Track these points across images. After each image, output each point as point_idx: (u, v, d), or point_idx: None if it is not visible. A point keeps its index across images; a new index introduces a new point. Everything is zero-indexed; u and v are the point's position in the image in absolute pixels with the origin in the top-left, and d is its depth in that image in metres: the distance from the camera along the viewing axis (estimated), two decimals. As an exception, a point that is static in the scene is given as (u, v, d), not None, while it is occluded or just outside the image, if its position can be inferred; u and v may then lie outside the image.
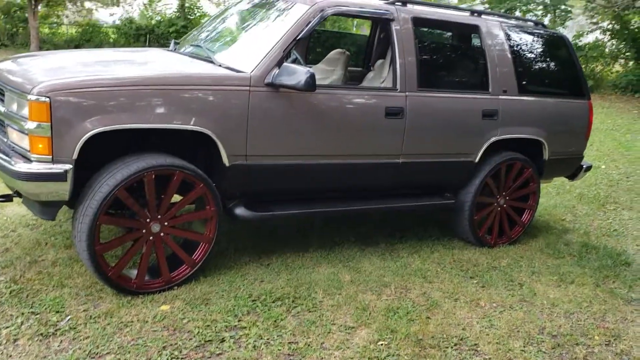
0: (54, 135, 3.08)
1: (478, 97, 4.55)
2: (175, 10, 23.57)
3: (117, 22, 24.14)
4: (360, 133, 4.02)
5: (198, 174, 3.50)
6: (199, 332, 3.17)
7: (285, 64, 3.61)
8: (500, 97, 4.63)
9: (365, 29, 16.92)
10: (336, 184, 4.14)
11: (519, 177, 4.93)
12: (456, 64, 4.83)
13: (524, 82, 4.77)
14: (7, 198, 3.61)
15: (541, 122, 4.90)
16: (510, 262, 4.63)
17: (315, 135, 3.85)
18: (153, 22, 23.29)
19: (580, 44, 20.08)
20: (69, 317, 3.19)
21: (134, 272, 3.53)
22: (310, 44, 5.70)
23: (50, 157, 3.11)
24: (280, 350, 3.09)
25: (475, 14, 4.74)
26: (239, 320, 3.33)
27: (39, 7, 20.02)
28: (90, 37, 22.65)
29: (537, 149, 5.00)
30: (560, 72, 5.28)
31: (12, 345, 2.91)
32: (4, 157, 3.24)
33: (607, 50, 20.47)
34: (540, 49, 5.15)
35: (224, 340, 3.13)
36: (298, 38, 3.76)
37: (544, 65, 5.23)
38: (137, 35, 22.70)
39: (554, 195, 6.74)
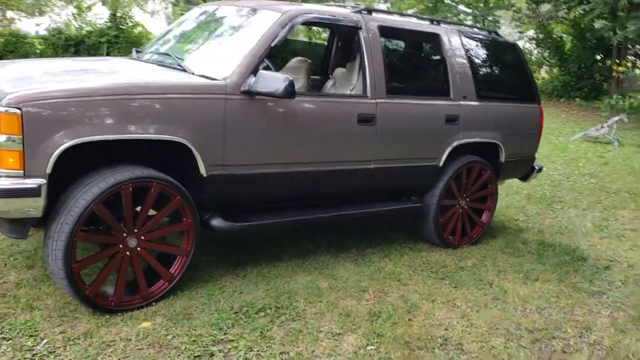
0: (25, 148, 2.92)
1: (441, 103, 4.69)
2: (107, 20, 22.84)
3: (44, 32, 23.11)
4: (334, 140, 4.04)
5: (175, 185, 3.41)
6: (186, 348, 3.07)
7: (261, 71, 3.59)
8: (460, 102, 4.78)
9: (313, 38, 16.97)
10: (312, 191, 4.13)
11: (478, 179, 5.10)
12: (420, 71, 4.96)
13: (481, 88, 4.95)
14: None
15: (498, 126, 5.10)
16: (476, 262, 4.77)
17: (291, 142, 3.84)
18: (83, 32, 22.46)
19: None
20: (45, 340, 3.02)
21: (109, 290, 3.39)
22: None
23: (22, 171, 2.94)
24: (272, 360, 3.05)
25: (435, 23, 4.88)
26: (224, 334, 3.26)
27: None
28: (14, 47, 21.56)
29: (494, 152, 5.19)
30: (513, 78, 5.52)
31: (-11, 374, 2.73)
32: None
33: (533, 57, 21.54)
34: (495, 56, 5.37)
35: (213, 355, 3.05)
36: (272, 45, 3.74)
37: (498, 72, 5.45)
38: (66, 46, 21.83)
39: (504, 197, 6.99)
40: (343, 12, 4.31)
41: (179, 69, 3.78)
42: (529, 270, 4.64)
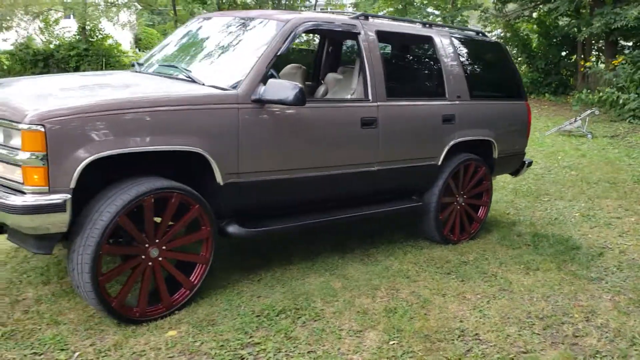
0: (50, 164, 2.95)
1: (437, 104, 4.84)
2: (76, 33, 22.56)
3: (10, 47, 22.68)
4: (340, 144, 4.15)
5: (194, 195, 3.47)
6: (215, 353, 3.14)
7: (271, 80, 3.68)
8: (455, 102, 4.95)
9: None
10: (320, 195, 4.23)
11: (474, 176, 5.26)
12: (416, 73, 5.11)
13: (473, 88, 5.12)
14: (-9, 236, 3.38)
15: (490, 123, 5.28)
16: (477, 256, 4.92)
17: (300, 148, 3.94)
18: (52, 46, 22.15)
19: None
20: (77, 353, 3.05)
21: (132, 301, 3.43)
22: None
23: (47, 187, 2.97)
24: (301, 360, 3.13)
25: (427, 26, 5.03)
26: (250, 337, 3.33)
27: None
28: (-21, 64, 21.23)
29: (488, 149, 5.37)
30: (501, 76, 5.71)
31: (28, 389, 2.75)
32: (-10, 191, 3.05)
33: (501, 56, 21.98)
34: (483, 56, 5.56)
35: (244, 358, 3.12)
36: (278, 54, 3.84)
37: (488, 71, 5.63)
38: (35, 60, 21.51)
39: (493, 192, 7.18)
40: (341, 19, 4.43)
41: (187, 81, 3.85)
42: (528, 261, 4.81)
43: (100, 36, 22.61)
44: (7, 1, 21.37)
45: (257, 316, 3.57)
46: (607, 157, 9.78)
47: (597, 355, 3.34)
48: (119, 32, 24.72)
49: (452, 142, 4.91)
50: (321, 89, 5.32)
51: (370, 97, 4.31)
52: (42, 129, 2.91)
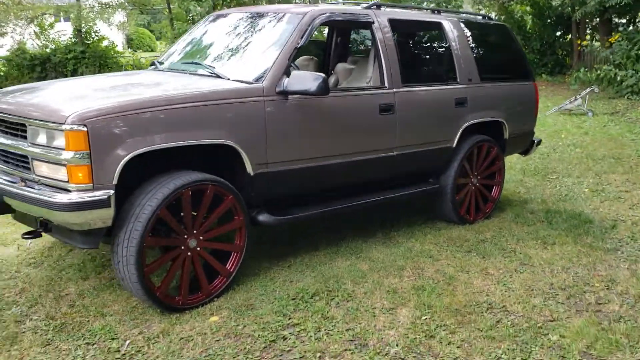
0: (93, 162, 3.08)
1: (450, 87, 4.97)
2: (71, 36, 22.55)
3: (6, 53, 22.68)
4: (361, 130, 4.29)
5: (228, 186, 3.60)
6: (259, 335, 3.29)
7: (294, 72, 3.81)
8: (467, 85, 5.08)
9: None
10: (344, 181, 4.37)
11: (487, 157, 5.40)
12: (428, 58, 5.24)
13: (483, 70, 5.25)
14: (35, 234, 3.51)
15: (501, 105, 5.42)
16: (494, 234, 5.07)
17: (324, 136, 4.07)
18: (48, 50, 22.14)
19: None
20: (128, 341, 3.20)
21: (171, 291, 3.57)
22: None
23: (91, 184, 3.11)
24: (341, 337, 3.28)
25: (436, 12, 5.16)
26: (289, 319, 3.48)
27: None
28: (-24, 71, 21.24)
29: (499, 130, 5.51)
30: (508, 58, 5.84)
31: (88, 376, 2.90)
32: (36, 190, 3.18)
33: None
34: (491, 39, 5.68)
35: (286, 338, 3.27)
36: (298, 47, 3.96)
37: (496, 53, 5.76)
38: (32, 65, 21.51)
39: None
40: (355, 9, 4.55)
41: (212, 76, 3.97)
42: (544, 236, 4.96)
43: (96, 38, 22.61)
44: (1, 7, 21.38)
45: (293, 299, 3.72)
46: (609, 134, 9.93)
47: (620, 320, 3.49)
48: (111, 33, 24.72)
49: (465, 125, 5.05)
50: (332, 79, 5.43)
51: (386, 84, 4.45)
52: (85, 129, 3.04)
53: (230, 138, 3.55)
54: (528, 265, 4.35)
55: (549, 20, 20.59)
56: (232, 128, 3.58)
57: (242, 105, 3.65)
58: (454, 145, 5.03)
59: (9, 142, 3.43)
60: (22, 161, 3.36)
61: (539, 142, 6.15)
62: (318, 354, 3.11)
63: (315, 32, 4.26)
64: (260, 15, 4.48)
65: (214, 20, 4.85)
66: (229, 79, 3.86)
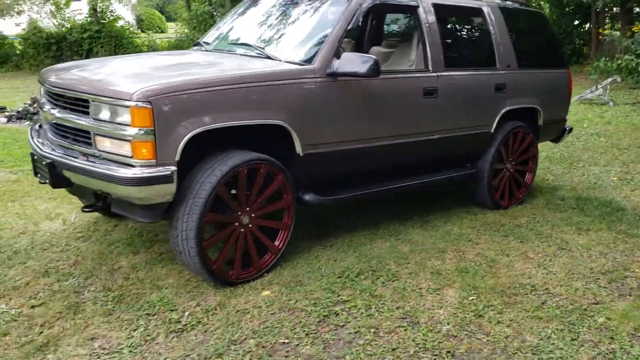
0: (157, 139, 3.16)
1: (490, 73, 5.02)
2: (87, 15, 22.58)
3: (21, 32, 22.73)
4: (406, 113, 4.35)
5: (279, 166, 3.68)
6: (312, 309, 3.38)
7: (345, 53, 3.86)
8: (506, 71, 5.12)
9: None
10: (388, 163, 4.44)
11: (522, 143, 5.45)
12: (470, 43, 5.28)
13: (521, 57, 5.29)
14: (95, 207, 3.61)
15: (537, 92, 5.45)
16: (528, 219, 5.14)
17: (371, 118, 4.13)
18: (64, 29, 22.19)
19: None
20: (187, 312, 3.30)
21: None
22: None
23: (154, 160, 3.18)
24: (392, 314, 3.37)
25: (475, -2, 5.19)
26: (338, 296, 3.56)
27: None
28: (-6, 49, 21.39)
29: (534, 117, 5.55)
30: (545, 45, 5.86)
31: (153, 343, 3.00)
32: (101, 165, 3.26)
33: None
34: (528, 26, 5.70)
35: (338, 314, 3.36)
36: (348, 29, 4.01)
37: (533, 40, 5.78)
38: (48, 44, 21.59)
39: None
40: (400, -7, 4.59)
41: (263, 57, 4.03)
42: (578, 222, 5.03)
43: (111, 17, 22.65)
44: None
45: (339, 277, 3.81)
46: (633, 124, 9.94)
47: (664, 305, 3.57)
48: (124, 13, 24.72)
49: (503, 110, 5.10)
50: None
51: (430, 68, 4.49)
52: (150, 106, 3.11)
53: (282, 118, 3.62)
54: (566, 250, 4.42)
55: (567, 9, 20.46)
56: (284, 109, 3.64)
57: (293, 86, 3.71)
58: (492, 130, 5.08)
59: (68, 116, 3.51)
60: (82, 136, 3.44)
61: (570, 130, 6.19)
62: (372, 330, 3.20)
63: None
64: (307, -3, 4.52)
65: (256, 1, 4.89)
66: (280, 60, 3.91)
